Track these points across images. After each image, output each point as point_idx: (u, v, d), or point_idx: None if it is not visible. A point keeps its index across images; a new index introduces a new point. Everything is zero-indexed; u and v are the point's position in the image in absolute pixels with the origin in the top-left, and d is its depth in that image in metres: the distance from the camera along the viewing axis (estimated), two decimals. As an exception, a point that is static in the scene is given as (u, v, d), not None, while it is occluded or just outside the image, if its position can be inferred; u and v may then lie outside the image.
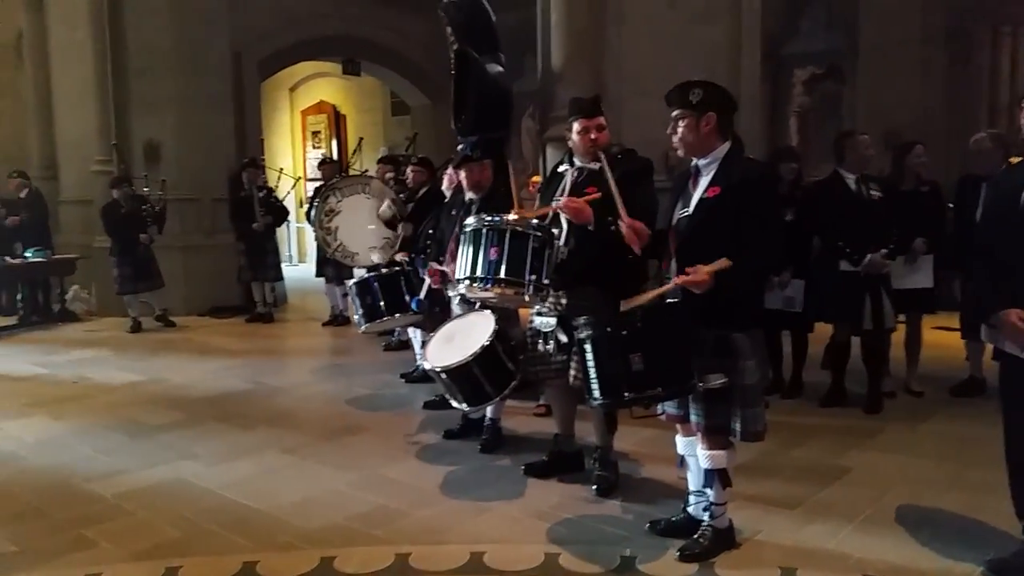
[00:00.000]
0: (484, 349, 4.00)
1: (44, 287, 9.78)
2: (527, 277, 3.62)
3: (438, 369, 4.10)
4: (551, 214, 3.83)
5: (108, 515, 3.87)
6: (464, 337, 4.18)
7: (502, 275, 3.64)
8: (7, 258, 9.25)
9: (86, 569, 3.30)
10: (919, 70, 9.71)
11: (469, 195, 4.78)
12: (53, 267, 9.67)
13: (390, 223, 6.35)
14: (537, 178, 4.70)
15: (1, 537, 3.63)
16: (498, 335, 4.07)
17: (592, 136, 3.82)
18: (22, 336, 8.88)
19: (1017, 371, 3.08)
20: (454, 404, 4.27)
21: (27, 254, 9.44)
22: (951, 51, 9.89)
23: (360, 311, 5.58)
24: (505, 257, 3.64)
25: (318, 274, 9.16)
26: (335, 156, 14.14)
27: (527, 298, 3.71)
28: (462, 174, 4.79)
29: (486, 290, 3.72)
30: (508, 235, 3.67)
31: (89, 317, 9.84)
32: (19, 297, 9.67)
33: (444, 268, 4.77)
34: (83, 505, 4.01)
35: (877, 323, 5.19)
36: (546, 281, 3.67)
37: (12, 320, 9.49)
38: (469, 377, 4.07)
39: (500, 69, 6.28)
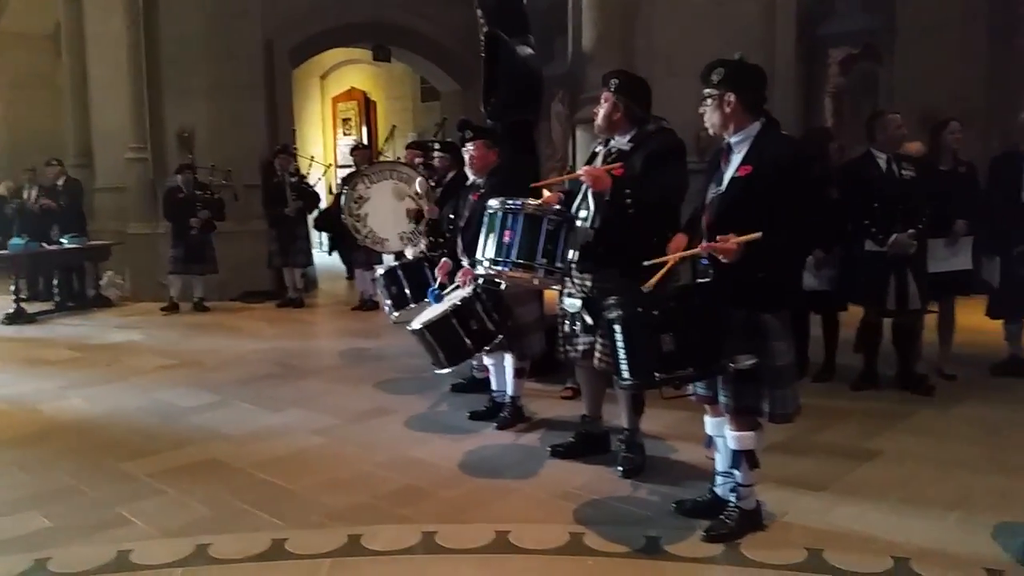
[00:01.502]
0: (438, 319, 4.42)
1: (79, 273, 9.98)
2: (538, 260, 3.68)
3: (410, 329, 4.61)
4: (581, 196, 3.83)
5: (141, 494, 3.94)
6: (442, 307, 4.53)
7: (514, 258, 3.72)
8: (43, 244, 9.45)
9: (118, 545, 3.35)
10: (959, 49, 9.49)
11: (473, 176, 4.81)
12: (88, 253, 9.85)
13: (418, 213, 6.35)
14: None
15: (37, 514, 3.70)
16: (461, 310, 4.38)
17: (595, 109, 3.88)
18: (58, 321, 9.06)
19: None
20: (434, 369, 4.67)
21: (63, 240, 9.62)
22: (992, 28, 9.65)
23: (388, 300, 5.64)
24: (518, 240, 3.71)
25: (346, 259, 9.23)
26: (366, 142, 14.21)
27: (537, 281, 3.78)
28: (471, 149, 4.80)
29: (501, 272, 3.82)
30: (522, 218, 3.73)
31: (123, 302, 10.02)
32: (55, 283, 9.86)
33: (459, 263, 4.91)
34: (117, 484, 4.08)
35: (901, 305, 5.11)
36: (560, 264, 3.70)
37: (48, 305, 9.68)
38: (426, 342, 4.54)
39: (530, 51, 6.25)
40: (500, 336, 4.50)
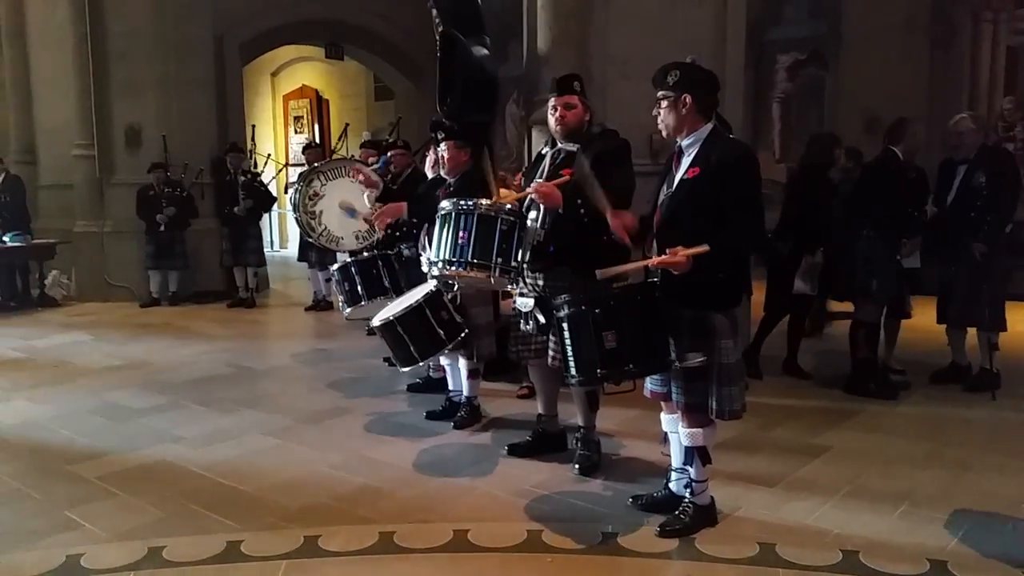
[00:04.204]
0: (409, 310, 4.35)
1: (23, 272, 9.71)
2: (493, 260, 3.71)
3: (373, 325, 4.55)
4: (529, 197, 3.87)
5: (91, 496, 3.86)
6: (408, 300, 4.49)
7: (469, 258, 3.75)
8: (-15, 243, 9.21)
9: (68, 549, 3.29)
10: (901, 56, 9.78)
11: (446, 175, 4.81)
12: (32, 252, 9.64)
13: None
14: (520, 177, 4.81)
15: (-17, 518, 3.61)
16: (431, 300, 4.34)
17: (558, 114, 3.85)
18: (1, 321, 8.78)
19: None
20: (399, 367, 4.68)
21: (5, 239, 9.36)
22: (932, 37, 9.96)
23: (342, 297, 5.62)
24: (473, 240, 3.74)
25: (300, 258, 9.16)
26: (318, 141, 14.07)
27: (493, 280, 3.82)
28: (443, 150, 4.78)
29: (457, 272, 3.83)
30: (476, 219, 3.76)
31: (69, 302, 9.78)
32: (-3, 282, 9.60)
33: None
34: (66, 487, 3.99)
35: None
36: (514, 264, 3.76)
37: (-9, 306, 9.42)
38: (395, 336, 4.42)
39: (486, 52, 6.26)
40: (466, 330, 4.49)
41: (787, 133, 10.95)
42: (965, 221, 5.30)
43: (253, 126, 11.38)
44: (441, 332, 4.37)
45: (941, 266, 5.48)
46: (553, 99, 3.89)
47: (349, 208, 6.47)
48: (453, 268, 3.82)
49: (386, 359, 6.41)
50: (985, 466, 4.05)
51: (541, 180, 3.84)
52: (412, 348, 4.42)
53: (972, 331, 5.53)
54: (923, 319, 5.90)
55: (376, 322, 4.55)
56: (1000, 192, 5.25)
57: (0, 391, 5.82)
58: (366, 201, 6.25)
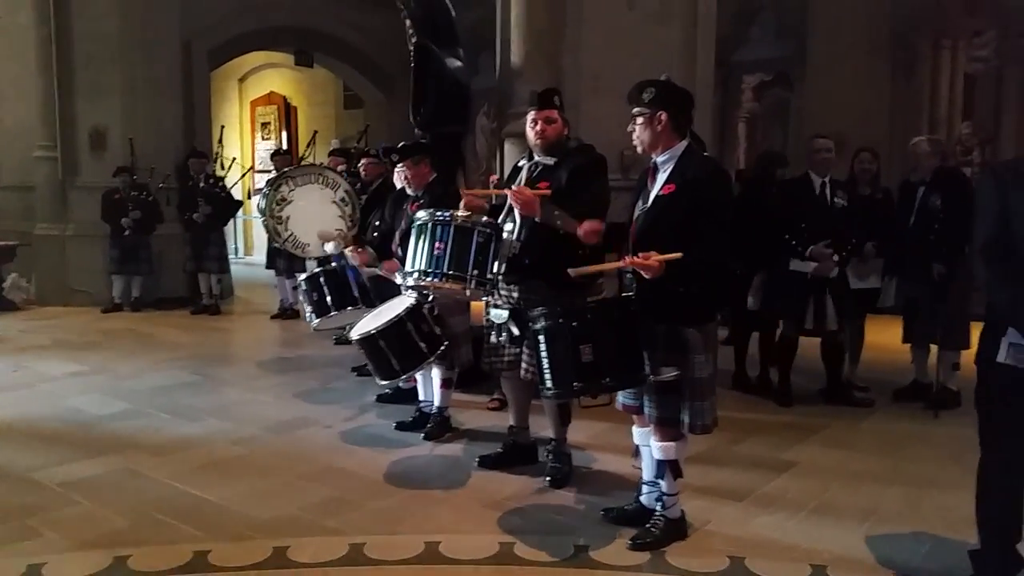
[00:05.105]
0: (391, 323, 4.26)
1: (-20, 275, 9.52)
2: (469, 272, 3.71)
3: (354, 339, 4.44)
4: (507, 208, 3.89)
5: (53, 504, 3.78)
6: (388, 313, 4.40)
7: (445, 269, 3.74)
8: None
9: (29, 559, 3.22)
10: (864, 79, 9.98)
11: (411, 190, 4.84)
12: (-11, 254, 9.44)
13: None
14: (495, 176, 4.84)
15: (-61, 527, 3.52)
16: (412, 314, 4.27)
17: (539, 128, 3.88)
18: (-44, 325, 8.59)
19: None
20: (377, 380, 4.56)
21: (-37, 240, 9.17)
22: (895, 62, 10.19)
23: (310, 308, 5.56)
24: (449, 252, 3.73)
25: (268, 266, 9.08)
26: (286, 148, 13.98)
27: (468, 292, 3.81)
28: (403, 170, 4.84)
29: (432, 283, 3.82)
30: (453, 230, 3.75)
31: (28, 306, 9.59)
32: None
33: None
34: (26, 495, 3.90)
35: (819, 324, 5.34)
36: (490, 276, 3.77)
37: (-54, 309, 9.19)
38: (376, 350, 4.33)
39: (459, 64, 6.29)
40: (446, 342, 4.43)
41: (752, 152, 11.09)
42: (925, 242, 5.41)
43: (223, 127, 11.27)
44: (423, 345, 4.30)
45: (904, 286, 5.59)
46: (534, 112, 3.91)
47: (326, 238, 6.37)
48: (428, 279, 3.80)
49: (354, 369, 6.38)
50: (948, 482, 4.11)
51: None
52: (394, 362, 4.32)
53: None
54: (887, 338, 6.01)
55: (355, 335, 4.44)
56: (956, 214, 5.36)
57: (-44, 396, 5.68)
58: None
